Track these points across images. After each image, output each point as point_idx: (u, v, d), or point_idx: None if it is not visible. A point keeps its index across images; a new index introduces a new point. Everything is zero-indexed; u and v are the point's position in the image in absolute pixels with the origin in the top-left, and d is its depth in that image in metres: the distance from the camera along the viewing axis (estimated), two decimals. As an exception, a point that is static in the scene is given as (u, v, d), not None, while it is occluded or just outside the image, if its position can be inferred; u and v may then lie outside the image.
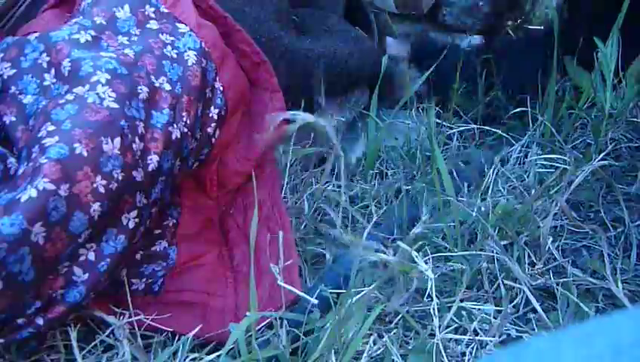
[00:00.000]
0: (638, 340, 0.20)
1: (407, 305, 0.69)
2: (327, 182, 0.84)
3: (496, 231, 0.78)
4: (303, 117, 0.56)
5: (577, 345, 0.21)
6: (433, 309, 0.66)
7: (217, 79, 0.74)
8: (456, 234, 0.75)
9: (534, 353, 0.22)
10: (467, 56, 1.13)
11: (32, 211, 0.53)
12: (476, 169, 0.94)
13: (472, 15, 1.20)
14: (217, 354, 0.61)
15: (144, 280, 0.68)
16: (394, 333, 0.66)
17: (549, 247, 0.76)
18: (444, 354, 0.62)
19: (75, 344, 0.61)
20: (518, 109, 1.05)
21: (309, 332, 0.63)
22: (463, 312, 0.68)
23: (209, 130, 0.73)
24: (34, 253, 0.53)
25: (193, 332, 0.63)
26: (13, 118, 0.62)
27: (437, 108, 1.07)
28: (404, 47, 1.15)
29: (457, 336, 0.66)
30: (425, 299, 0.70)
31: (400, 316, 0.68)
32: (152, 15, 0.71)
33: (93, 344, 0.64)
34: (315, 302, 0.63)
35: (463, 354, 0.65)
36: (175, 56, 0.69)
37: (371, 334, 0.64)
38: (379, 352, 0.63)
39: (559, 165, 0.89)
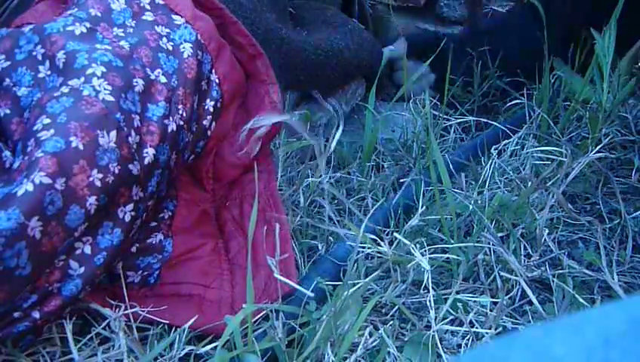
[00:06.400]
0: (628, 330, 0.20)
1: (403, 297, 0.69)
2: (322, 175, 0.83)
3: (493, 223, 0.78)
4: (269, 119, 0.56)
5: (568, 335, 0.21)
6: (429, 301, 0.66)
7: (213, 71, 0.74)
8: (452, 226, 0.75)
9: (525, 343, 0.22)
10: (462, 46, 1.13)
11: (28, 205, 0.53)
12: (469, 151, 0.94)
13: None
14: (213, 345, 0.61)
15: (140, 272, 0.68)
16: (390, 325, 0.66)
17: (545, 239, 0.76)
18: (440, 346, 0.63)
19: (70, 337, 0.61)
20: (514, 101, 1.05)
21: (305, 324, 0.63)
22: (459, 304, 0.68)
23: (205, 122, 0.73)
24: (31, 248, 0.53)
25: (189, 324, 0.63)
26: (8, 111, 0.62)
27: (433, 100, 1.07)
28: (403, 44, 1.15)
29: (453, 328, 0.66)
30: (421, 290, 0.71)
31: (396, 308, 0.68)
32: (148, 7, 0.71)
33: (89, 336, 0.63)
34: (311, 294, 0.63)
35: (459, 345, 0.65)
36: (171, 48, 0.69)
37: (367, 326, 0.64)
38: (375, 344, 0.63)
39: (555, 157, 0.89)
